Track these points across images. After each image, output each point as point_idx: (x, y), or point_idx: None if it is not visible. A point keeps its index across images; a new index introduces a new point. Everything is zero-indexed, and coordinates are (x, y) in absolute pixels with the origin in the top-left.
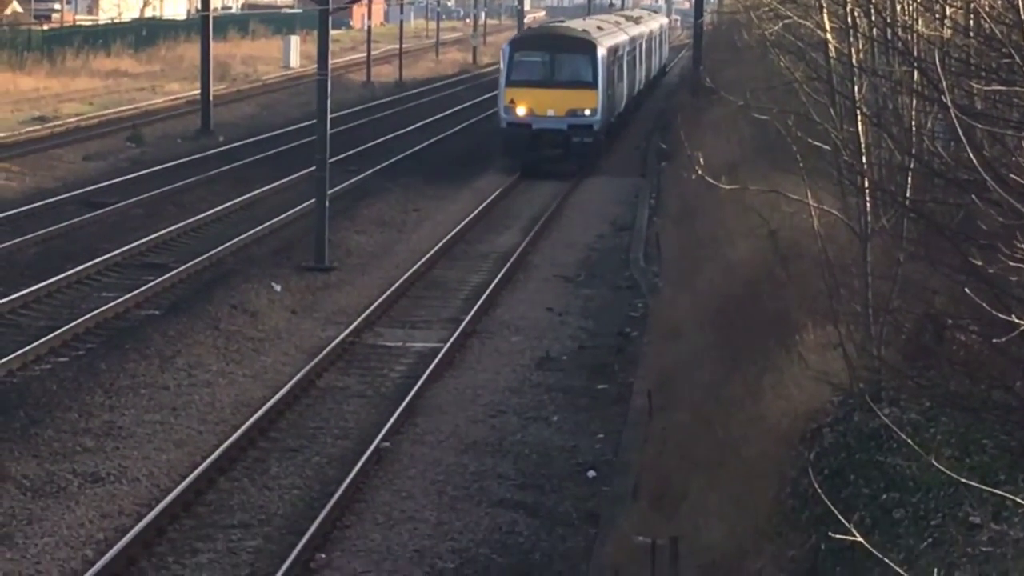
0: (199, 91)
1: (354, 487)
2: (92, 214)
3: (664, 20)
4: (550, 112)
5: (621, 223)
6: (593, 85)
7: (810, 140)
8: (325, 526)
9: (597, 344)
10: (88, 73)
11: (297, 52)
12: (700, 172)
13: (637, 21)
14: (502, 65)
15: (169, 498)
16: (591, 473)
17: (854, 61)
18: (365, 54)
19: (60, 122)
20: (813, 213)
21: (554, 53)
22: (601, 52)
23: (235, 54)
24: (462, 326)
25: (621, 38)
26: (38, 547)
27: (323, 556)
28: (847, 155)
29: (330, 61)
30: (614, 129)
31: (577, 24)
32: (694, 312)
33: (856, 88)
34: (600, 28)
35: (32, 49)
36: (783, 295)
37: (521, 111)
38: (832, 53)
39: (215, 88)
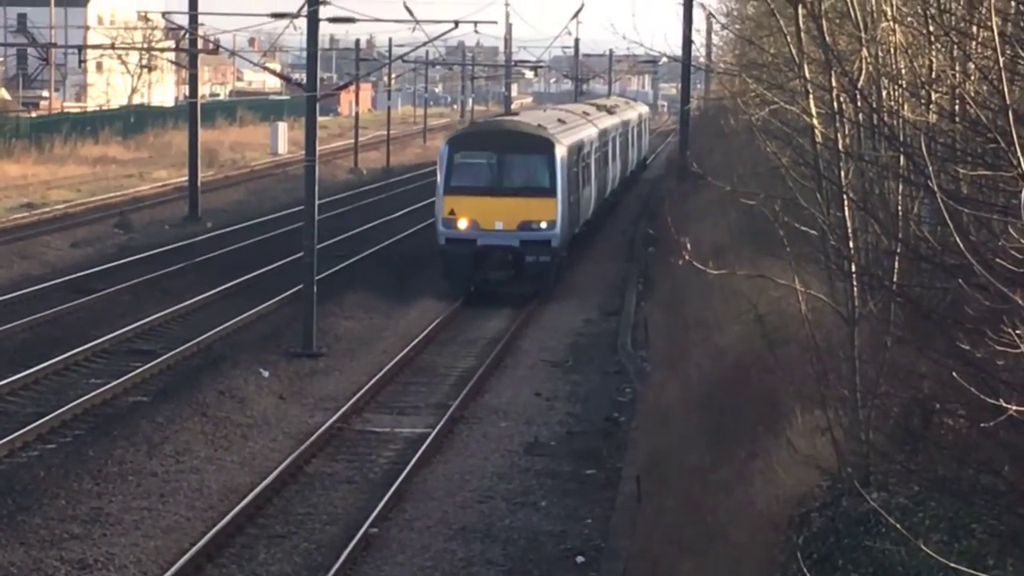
0: (187, 177)
1: (342, 574)
2: (80, 300)
3: (643, 109)
4: (498, 225)
5: (608, 308)
6: (551, 192)
7: (797, 225)
8: None
9: (585, 429)
10: (76, 160)
11: (285, 138)
12: (687, 257)
13: (611, 111)
14: (439, 169)
15: None
16: (580, 558)
17: (840, 146)
18: (353, 140)
19: (48, 209)
20: (800, 298)
21: (503, 154)
22: (560, 151)
23: (223, 140)
24: (450, 411)
25: (587, 132)
26: None
27: None
28: (834, 240)
29: (318, 147)
30: (579, 242)
31: (532, 117)
32: (682, 397)
33: (842, 173)
34: (561, 122)
35: (20, 136)
36: (771, 379)
37: (463, 224)
38: (818, 138)
39: (203, 174)
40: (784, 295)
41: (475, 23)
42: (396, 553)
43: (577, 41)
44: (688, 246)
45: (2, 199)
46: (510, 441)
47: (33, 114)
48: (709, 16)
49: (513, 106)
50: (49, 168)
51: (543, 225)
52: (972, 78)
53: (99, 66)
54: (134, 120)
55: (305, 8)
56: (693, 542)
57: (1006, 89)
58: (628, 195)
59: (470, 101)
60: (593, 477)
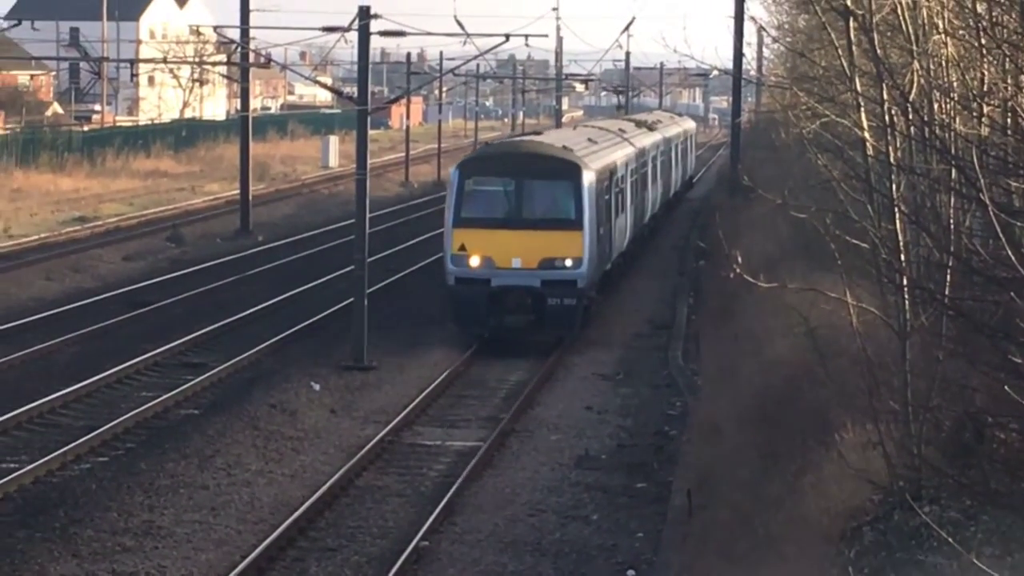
0: (238, 191)
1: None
2: (132, 313)
3: (689, 124)
4: (516, 263)
5: (659, 321)
6: (576, 224)
7: (848, 238)
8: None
9: (636, 442)
10: (128, 174)
11: (336, 152)
12: (738, 270)
13: (651, 127)
14: (448, 197)
15: None
16: (631, 572)
17: (892, 159)
18: (404, 154)
19: (100, 222)
20: (852, 311)
21: (521, 180)
22: (588, 177)
23: (274, 154)
24: (501, 425)
25: (622, 153)
26: None
27: None
28: (885, 253)
29: (369, 161)
30: (610, 281)
31: (558, 137)
32: (733, 410)
33: (894, 186)
34: (592, 141)
35: (73, 150)
36: (822, 393)
37: (475, 261)
38: (870, 151)
39: (254, 188)
40: (835, 308)
41: (526, 36)
42: (447, 566)
43: (628, 54)
44: (739, 259)
45: (55, 212)
46: (561, 454)
47: (85, 128)
48: (760, 29)
49: (564, 119)
50: (101, 182)
51: (568, 263)
52: None
53: (151, 80)
54: (186, 134)
55: (356, 22)
56: (744, 556)
57: None
58: (671, 218)
59: (521, 114)
60: (644, 491)
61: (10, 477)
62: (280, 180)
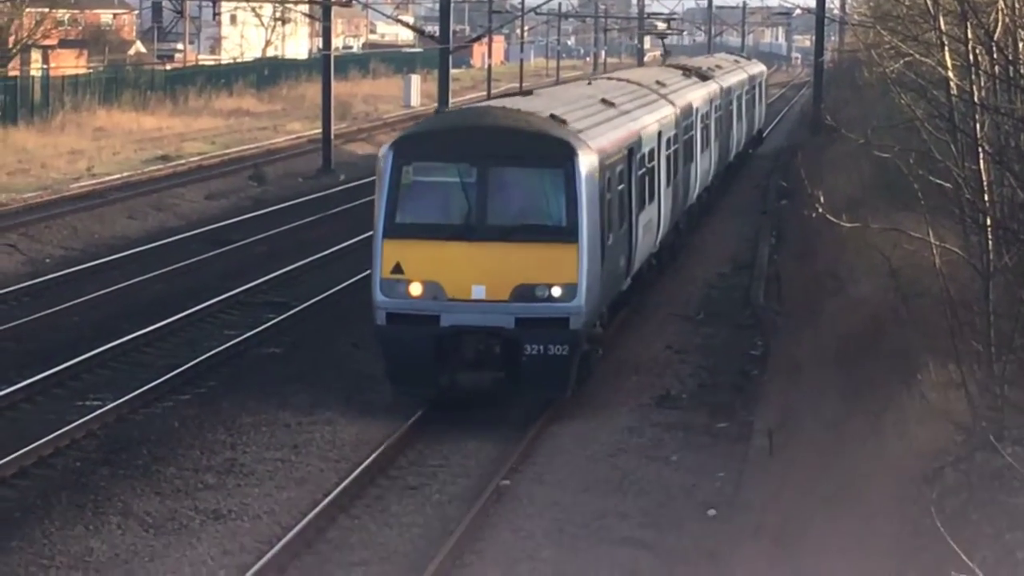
0: (320, 130)
1: (474, 525)
2: (214, 252)
3: (757, 68)
4: (478, 292)
5: (741, 261)
6: (570, 233)
7: (931, 178)
8: (445, 564)
9: (717, 383)
10: (210, 112)
11: (418, 91)
12: (820, 210)
13: (705, 76)
14: (378, 194)
15: (290, 535)
16: (711, 512)
17: (976, 98)
18: (485, 93)
19: (183, 161)
20: (935, 251)
21: (487, 167)
22: (588, 162)
23: (356, 93)
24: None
25: (654, 118)
26: None
27: None
28: (969, 193)
29: (450, 100)
30: (619, 312)
31: (552, 100)
32: (815, 350)
33: (978, 126)
34: (607, 105)
35: (155, 89)
36: (904, 333)
37: (416, 290)
38: (953, 91)
39: (336, 127)
40: (918, 249)
41: None
42: (527, 506)
43: None
44: (821, 199)
45: (138, 151)
46: (641, 394)
47: (168, 67)
48: None
49: (646, 59)
50: (184, 120)
51: (555, 291)
52: None
53: (233, 19)
54: (268, 73)
55: None
56: (825, 496)
57: None
58: (735, 181)
59: (603, 53)
60: (725, 431)
61: (94, 415)
62: (362, 119)
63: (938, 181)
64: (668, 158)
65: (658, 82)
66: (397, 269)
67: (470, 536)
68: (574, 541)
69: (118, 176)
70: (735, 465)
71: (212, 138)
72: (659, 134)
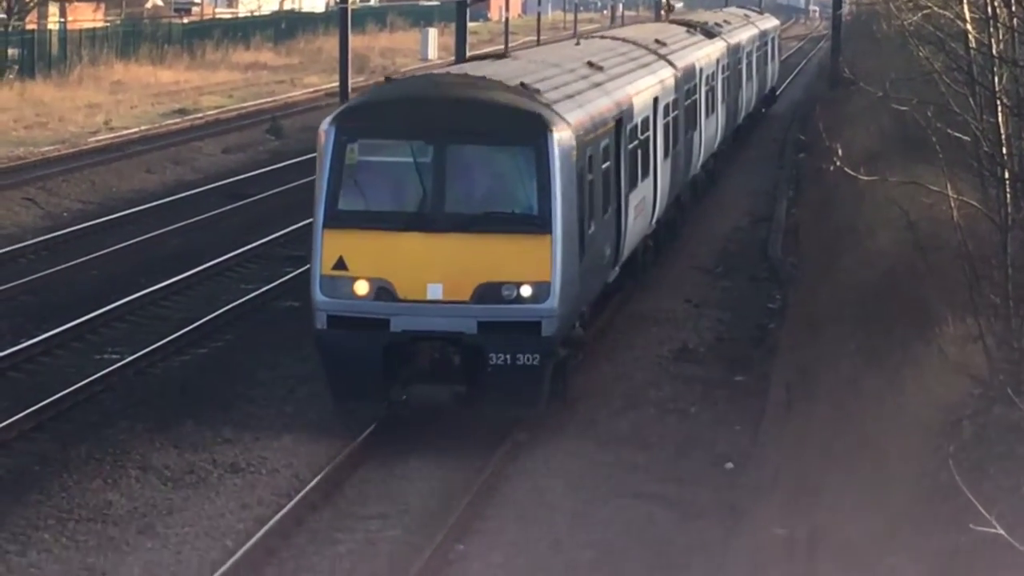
0: (338, 83)
1: (493, 477)
2: (232, 206)
3: (770, 23)
4: (434, 291)
5: (758, 214)
6: (542, 223)
7: (950, 131)
8: (464, 518)
9: (735, 336)
10: (228, 66)
11: (435, 44)
12: (838, 163)
13: (711, 33)
14: (319, 175)
15: (308, 488)
16: (729, 465)
17: (994, 51)
18: (503, 46)
19: (200, 115)
20: (953, 204)
21: (445, 145)
22: (563, 138)
23: (373, 47)
24: (601, 317)
25: (647, 83)
26: (179, 537)
27: (462, 547)
28: (987, 146)
29: (468, 53)
30: (604, 310)
31: (521, 62)
32: (833, 304)
33: (996, 79)
34: (593, 69)
35: (172, 43)
36: (922, 287)
37: (362, 288)
38: (972, 43)
39: (353, 80)
40: (936, 202)
41: None
42: (547, 458)
43: None
44: (839, 152)
45: (155, 105)
46: (660, 347)
47: (185, 20)
48: None
49: (662, 12)
50: (201, 74)
51: (525, 291)
52: None
53: None
54: (285, 26)
55: None
56: (843, 449)
57: None
58: (746, 144)
59: (620, 6)
60: (743, 384)
61: (112, 368)
62: (379, 73)
63: (956, 134)
64: (666, 126)
65: (657, 41)
66: (340, 264)
67: (488, 490)
68: (592, 494)
69: (136, 130)
70: (753, 418)
71: (229, 92)
72: (655, 101)
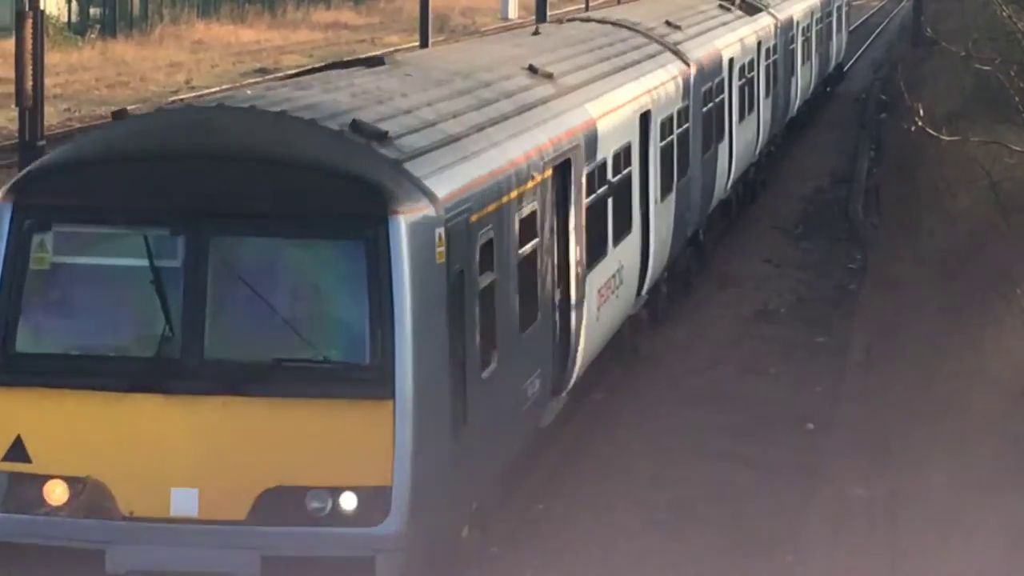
0: (418, 43)
1: (572, 439)
2: None
3: None
4: (181, 502)
5: (839, 175)
6: (377, 379)
7: None
8: (541, 475)
9: (815, 296)
10: (308, 26)
11: (515, 3)
12: (920, 123)
13: (753, 8)
14: None
15: None
16: (810, 426)
17: None
18: (583, 5)
19: (281, 74)
20: None
21: (203, 237)
22: (422, 224)
23: (454, 6)
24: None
25: (630, 93)
26: None
27: (542, 507)
28: None
29: (548, 12)
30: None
31: (378, 81)
32: (913, 264)
33: None
34: (533, 78)
35: (253, 2)
36: (1004, 247)
37: (57, 495)
38: None
39: (434, 39)
40: (1019, 162)
41: None
42: (625, 418)
43: None
44: (921, 112)
45: (236, 64)
46: (740, 307)
47: None
48: None
49: None
50: (282, 33)
51: (345, 503)
52: None
53: None
54: None
55: None
56: (924, 410)
57: None
58: (826, 107)
59: None
60: (823, 344)
61: None
62: (460, 32)
63: None
64: (665, 152)
65: (669, 23)
66: (17, 452)
67: (568, 450)
68: (670, 453)
69: (217, 89)
70: (833, 379)
71: (310, 51)
72: (643, 118)
